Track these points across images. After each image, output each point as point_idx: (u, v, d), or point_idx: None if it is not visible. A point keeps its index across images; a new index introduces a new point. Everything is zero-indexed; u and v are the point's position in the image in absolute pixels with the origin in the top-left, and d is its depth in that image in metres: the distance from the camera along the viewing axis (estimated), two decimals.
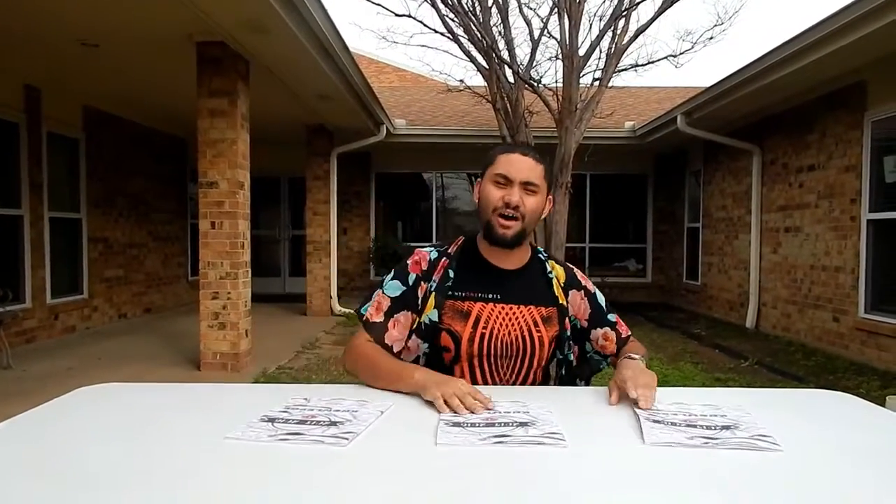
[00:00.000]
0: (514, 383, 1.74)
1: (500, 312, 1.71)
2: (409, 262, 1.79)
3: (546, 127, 9.28)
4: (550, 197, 1.78)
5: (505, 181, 1.68)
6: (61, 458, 1.14)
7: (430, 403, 1.45)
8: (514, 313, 1.72)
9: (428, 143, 11.19)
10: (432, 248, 1.82)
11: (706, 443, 1.20)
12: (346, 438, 1.21)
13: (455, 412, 1.37)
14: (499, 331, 1.70)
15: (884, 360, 6.00)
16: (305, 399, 1.48)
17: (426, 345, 1.72)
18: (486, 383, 1.71)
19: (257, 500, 0.96)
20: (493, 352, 1.70)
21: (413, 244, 12.12)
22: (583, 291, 1.84)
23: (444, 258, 1.78)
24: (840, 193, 6.78)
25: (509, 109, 8.77)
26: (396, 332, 1.73)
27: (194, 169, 6.04)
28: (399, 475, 1.08)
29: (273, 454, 1.15)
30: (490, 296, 1.72)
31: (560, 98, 8.23)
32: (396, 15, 9.12)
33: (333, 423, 1.30)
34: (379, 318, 1.74)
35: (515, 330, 1.71)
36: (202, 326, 5.75)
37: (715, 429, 1.28)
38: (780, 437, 1.22)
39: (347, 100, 7.83)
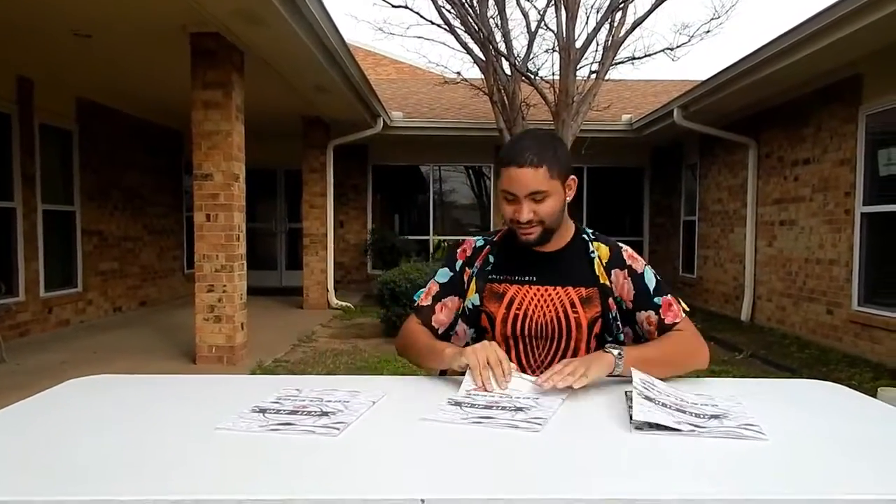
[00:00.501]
0: (551, 366, 1.72)
1: (535, 294, 1.73)
2: (458, 249, 1.87)
3: (543, 120, 9.26)
4: (572, 180, 1.72)
5: (512, 196, 1.67)
6: (51, 449, 1.14)
7: (424, 395, 1.45)
8: (549, 295, 1.72)
9: (425, 136, 11.17)
10: (480, 237, 1.89)
11: (692, 430, 1.21)
12: (337, 429, 1.21)
13: (482, 387, 1.46)
14: (533, 312, 1.72)
15: (877, 352, 6.02)
16: (297, 390, 1.49)
17: (472, 330, 1.80)
18: (521, 365, 1.73)
19: (248, 490, 0.96)
20: (527, 333, 1.72)
21: (410, 237, 12.14)
22: (626, 271, 1.75)
23: (489, 246, 1.84)
24: (835, 187, 6.79)
25: (506, 102, 8.75)
26: (443, 316, 1.81)
27: (189, 161, 6.02)
28: (389, 465, 1.08)
29: (264, 444, 1.15)
30: (526, 278, 1.75)
31: (557, 91, 8.22)
32: (393, 6, 9.09)
33: (325, 414, 1.30)
34: (427, 303, 1.84)
35: (550, 311, 1.71)
36: (197, 319, 5.74)
37: (703, 417, 1.28)
38: (769, 427, 1.22)
39: (344, 92, 7.81)
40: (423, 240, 12.32)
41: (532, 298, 1.73)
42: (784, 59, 6.44)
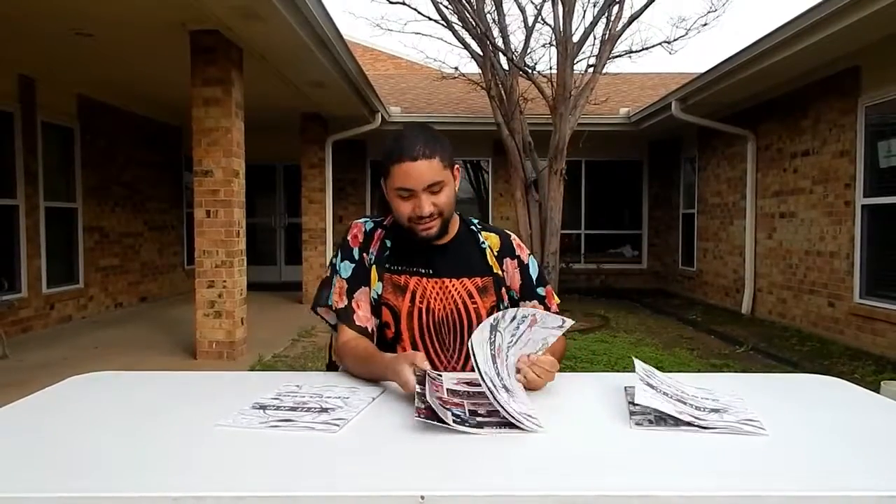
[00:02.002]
0: (460, 359, 1.71)
1: (433, 287, 1.70)
2: (349, 237, 1.77)
3: (541, 114, 9.25)
4: (456, 169, 1.69)
5: (409, 193, 1.60)
6: (53, 446, 1.15)
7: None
8: (446, 287, 1.71)
9: None
10: (367, 219, 1.79)
11: (693, 420, 1.21)
12: (337, 425, 1.21)
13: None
14: (434, 306, 1.69)
15: (879, 345, 6.03)
16: (297, 386, 1.49)
17: (376, 321, 1.72)
18: (431, 360, 1.63)
19: (248, 487, 0.96)
20: (432, 327, 1.69)
21: None
22: (516, 261, 1.79)
23: (380, 230, 1.76)
24: (834, 178, 6.78)
25: (504, 96, 8.73)
26: (362, 312, 1.72)
27: (189, 157, 6.02)
28: (389, 461, 1.08)
29: (264, 441, 1.16)
30: (423, 270, 1.71)
31: (554, 85, 8.21)
32: (390, 2, 9.07)
33: (324, 410, 1.30)
34: (343, 303, 1.72)
35: (450, 304, 1.70)
36: (198, 315, 5.76)
37: (703, 410, 1.28)
38: (770, 422, 1.22)
39: (342, 87, 7.80)
40: None
41: (431, 291, 1.70)
42: (782, 51, 6.42)
